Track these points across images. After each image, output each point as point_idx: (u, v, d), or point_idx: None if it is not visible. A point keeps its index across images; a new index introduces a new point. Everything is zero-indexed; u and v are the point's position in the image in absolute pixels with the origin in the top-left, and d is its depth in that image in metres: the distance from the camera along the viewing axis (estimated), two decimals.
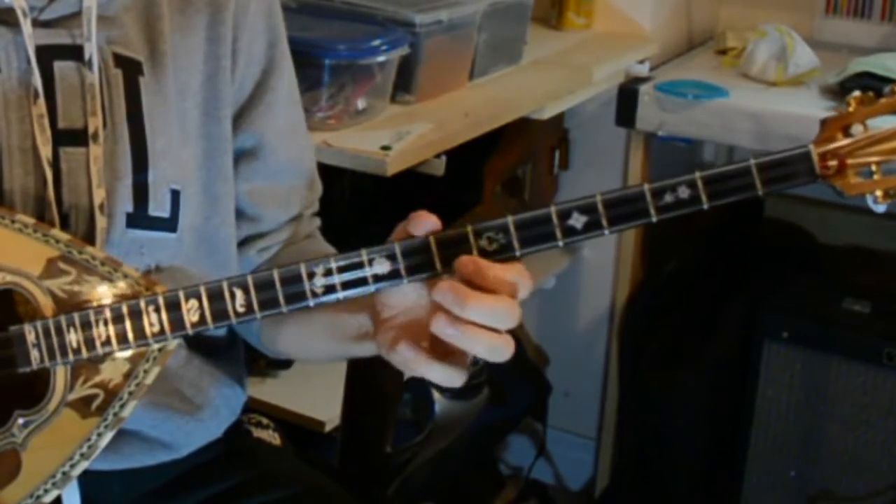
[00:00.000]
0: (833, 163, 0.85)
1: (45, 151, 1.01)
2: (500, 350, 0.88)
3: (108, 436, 0.96)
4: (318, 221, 1.25)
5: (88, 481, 1.00)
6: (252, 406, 1.30)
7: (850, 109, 0.86)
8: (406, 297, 0.93)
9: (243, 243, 1.18)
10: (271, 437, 1.30)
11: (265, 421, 1.31)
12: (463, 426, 2.06)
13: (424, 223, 0.90)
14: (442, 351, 0.90)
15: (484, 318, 0.87)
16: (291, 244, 1.21)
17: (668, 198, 0.86)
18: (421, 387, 1.85)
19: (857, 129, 0.86)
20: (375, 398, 1.49)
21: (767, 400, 2.16)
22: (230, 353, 1.21)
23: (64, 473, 0.96)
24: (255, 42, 1.14)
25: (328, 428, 1.73)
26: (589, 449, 2.54)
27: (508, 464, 2.61)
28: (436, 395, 1.93)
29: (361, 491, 1.39)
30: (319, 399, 1.76)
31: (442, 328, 0.87)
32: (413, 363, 0.90)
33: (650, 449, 2.31)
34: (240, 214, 1.17)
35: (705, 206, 0.86)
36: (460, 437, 2.05)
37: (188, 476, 1.18)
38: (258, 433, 1.29)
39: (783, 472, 2.18)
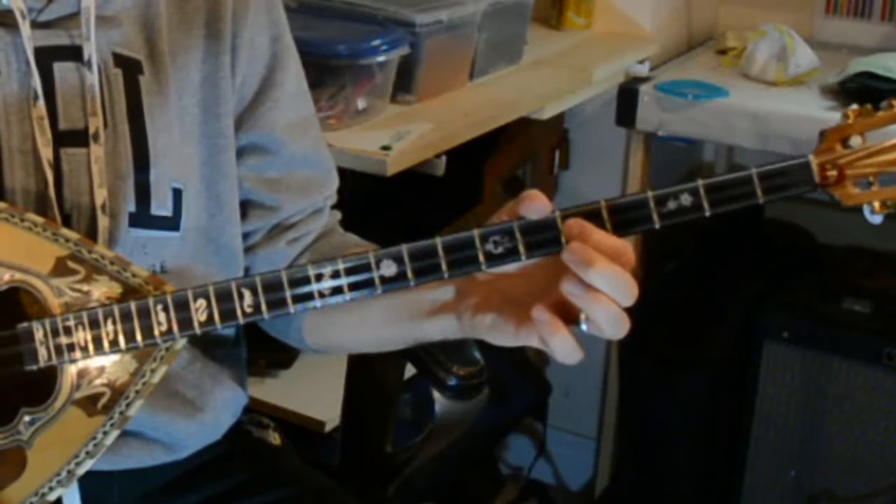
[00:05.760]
0: (832, 173, 0.87)
1: (46, 153, 1.01)
2: (619, 322, 0.87)
3: (114, 434, 0.96)
4: (338, 214, 1.25)
5: (88, 482, 1.00)
6: (252, 406, 1.30)
7: (849, 121, 0.87)
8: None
9: (270, 236, 1.18)
10: (271, 437, 1.30)
11: (265, 421, 1.31)
12: (463, 426, 2.06)
13: (537, 205, 0.88)
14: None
15: (606, 284, 0.85)
16: (323, 237, 1.20)
17: (671, 205, 0.87)
18: (421, 387, 1.85)
19: (855, 140, 0.87)
20: (375, 398, 1.49)
21: (767, 400, 2.16)
22: (232, 355, 1.21)
23: (69, 472, 0.96)
24: (258, 37, 1.13)
25: (328, 428, 1.74)
26: (589, 449, 2.54)
27: (508, 464, 2.61)
28: (436, 394, 1.93)
29: (361, 491, 1.39)
30: (319, 399, 1.76)
31: (572, 288, 0.86)
32: (548, 327, 0.87)
33: (650, 449, 2.31)
34: (259, 205, 1.16)
35: (707, 214, 0.87)
36: (460, 437, 2.05)
37: (188, 476, 1.18)
38: (258, 433, 1.29)
39: (783, 472, 2.18)
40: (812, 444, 2.15)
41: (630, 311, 0.87)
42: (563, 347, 0.88)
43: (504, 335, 0.92)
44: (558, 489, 2.61)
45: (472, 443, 2.14)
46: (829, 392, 2.11)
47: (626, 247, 0.87)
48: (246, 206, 1.17)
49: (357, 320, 1.10)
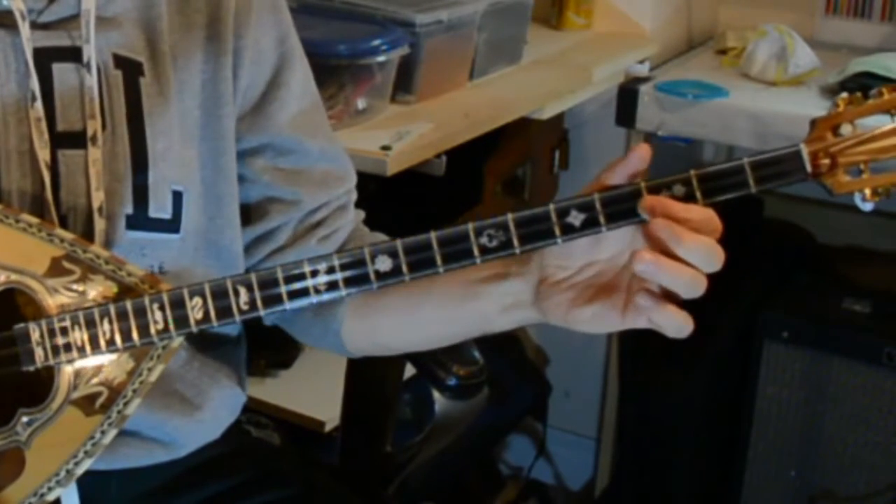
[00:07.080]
0: (824, 161, 0.87)
1: (44, 155, 1.01)
2: (698, 284, 0.88)
3: (112, 433, 0.96)
4: (362, 214, 1.23)
5: (86, 482, 1.00)
6: (252, 406, 1.30)
7: (840, 110, 0.88)
8: (585, 253, 0.93)
9: (297, 234, 1.16)
10: (271, 437, 1.30)
11: (265, 421, 1.32)
12: (463, 426, 2.06)
13: (629, 164, 0.90)
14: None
15: (696, 256, 0.87)
16: (352, 239, 1.19)
17: (664, 195, 0.88)
18: (421, 387, 1.85)
19: (846, 128, 0.88)
20: (375, 398, 1.49)
21: (767, 400, 2.16)
22: (231, 354, 1.21)
23: (68, 471, 0.96)
24: (263, 39, 1.12)
25: (328, 428, 1.74)
26: (589, 449, 2.54)
27: (508, 464, 2.61)
28: (436, 394, 1.93)
29: (361, 491, 1.39)
30: (319, 399, 1.76)
31: (646, 265, 0.87)
32: (653, 310, 0.89)
33: (650, 449, 2.31)
34: (279, 200, 1.15)
35: (700, 204, 0.88)
36: (460, 437, 2.05)
37: (187, 476, 1.18)
38: (258, 433, 1.30)
39: (783, 472, 2.18)
40: (812, 444, 2.15)
41: None
42: (671, 324, 0.90)
43: (609, 323, 0.93)
44: (558, 489, 2.61)
45: (472, 443, 2.14)
46: (829, 392, 2.11)
47: (709, 216, 0.88)
48: (266, 204, 1.15)
49: (409, 320, 1.10)
